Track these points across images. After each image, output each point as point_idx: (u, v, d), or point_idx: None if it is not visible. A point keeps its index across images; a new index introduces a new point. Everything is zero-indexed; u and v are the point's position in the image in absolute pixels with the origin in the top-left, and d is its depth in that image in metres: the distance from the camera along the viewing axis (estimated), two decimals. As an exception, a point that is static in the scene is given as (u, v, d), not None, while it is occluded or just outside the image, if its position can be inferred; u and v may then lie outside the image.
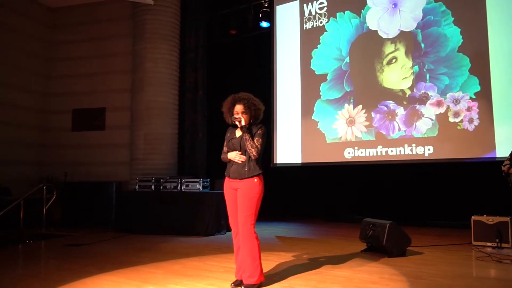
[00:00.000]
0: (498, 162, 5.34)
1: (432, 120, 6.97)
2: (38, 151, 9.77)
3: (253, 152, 3.59)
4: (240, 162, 3.66)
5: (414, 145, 7.09)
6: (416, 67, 7.18)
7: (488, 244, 5.31)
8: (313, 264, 4.56)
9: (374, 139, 7.47)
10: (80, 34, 9.97)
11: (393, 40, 7.47)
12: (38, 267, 4.83)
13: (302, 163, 8.27)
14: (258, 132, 3.67)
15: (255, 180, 3.62)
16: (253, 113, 3.72)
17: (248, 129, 3.68)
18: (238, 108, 3.70)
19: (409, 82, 7.24)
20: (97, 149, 9.49)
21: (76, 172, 9.21)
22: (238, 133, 3.76)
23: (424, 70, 7.10)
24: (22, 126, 9.38)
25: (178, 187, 7.30)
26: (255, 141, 3.62)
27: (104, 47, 9.74)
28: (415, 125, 7.11)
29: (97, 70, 9.74)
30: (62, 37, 10.12)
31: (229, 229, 6.96)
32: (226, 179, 3.80)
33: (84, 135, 9.66)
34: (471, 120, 6.66)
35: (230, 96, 3.82)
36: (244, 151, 3.66)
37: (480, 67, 6.63)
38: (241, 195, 3.63)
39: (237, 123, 3.69)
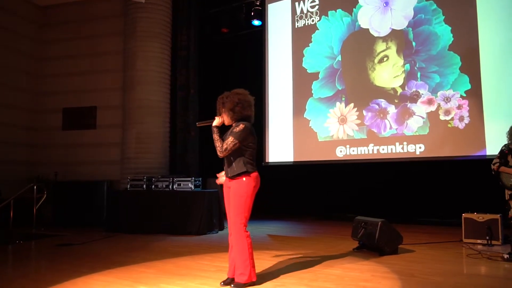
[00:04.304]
0: (488, 160, 5.38)
1: (423, 118, 7.01)
2: (28, 150, 9.69)
3: (217, 151, 3.61)
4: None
5: (405, 143, 7.12)
6: (407, 66, 7.21)
7: (479, 241, 5.35)
8: (305, 262, 4.57)
9: (366, 137, 7.49)
10: (70, 33, 9.88)
11: (385, 39, 7.49)
12: (29, 268, 4.78)
13: (294, 162, 8.28)
14: (234, 130, 3.62)
15: (244, 179, 3.60)
16: (230, 112, 3.66)
17: (232, 128, 3.67)
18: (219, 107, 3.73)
19: (400, 81, 7.27)
20: (88, 148, 9.43)
21: (67, 172, 9.15)
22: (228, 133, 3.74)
23: (415, 68, 7.13)
24: (12, 125, 9.29)
25: (170, 186, 7.27)
26: (227, 140, 3.58)
27: (95, 46, 9.67)
28: (406, 123, 7.14)
29: (88, 69, 9.66)
30: (52, 35, 10.03)
31: (221, 228, 7.01)
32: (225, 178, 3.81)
33: (75, 134, 9.59)
34: (461, 118, 6.71)
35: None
36: None
37: (471, 65, 6.68)
38: (232, 194, 3.65)
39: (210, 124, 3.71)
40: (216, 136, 3.62)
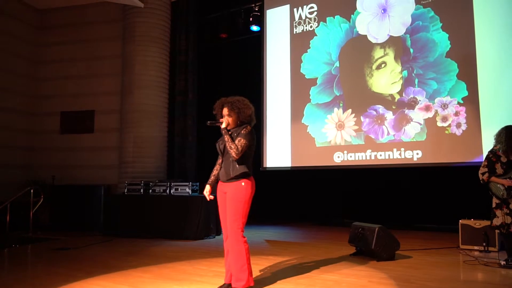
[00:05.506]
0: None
1: (420, 124, 7.03)
2: (26, 154, 9.66)
3: (231, 153, 3.59)
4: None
5: (402, 149, 7.14)
6: (405, 72, 7.25)
7: (476, 247, 5.37)
8: (303, 268, 4.57)
9: (363, 143, 7.51)
10: (69, 36, 9.89)
11: (382, 45, 7.53)
12: (25, 272, 4.77)
13: (291, 167, 8.29)
14: (242, 132, 3.65)
15: (242, 183, 3.61)
16: (237, 115, 3.72)
17: (235, 131, 3.69)
18: (224, 111, 3.74)
19: (398, 87, 7.30)
20: (86, 152, 9.41)
21: (65, 175, 9.13)
22: None
23: (413, 75, 7.16)
24: (9, 129, 9.27)
25: (167, 191, 7.27)
26: (237, 141, 3.60)
27: (93, 50, 9.68)
28: (404, 130, 7.16)
29: (86, 73, 9.67)
30: (51, 39, 10.03)
31: (218, 233, 7.00)
32: (219, 182, 3.81)
33: (73, 138, 9.57)
34: (458, 125, 6.74)
35: (219, 99, 3.84)
36: (228, 153, 3.66)
37: (468, 72, 6.71)
38: (229, 199, 3.64)
39: (219, 125, 3.71)
40: (229, 138, 3.63)
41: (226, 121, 3.70)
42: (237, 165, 3.62)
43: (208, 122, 3.81)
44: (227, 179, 3.67)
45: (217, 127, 3.78)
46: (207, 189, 3.91)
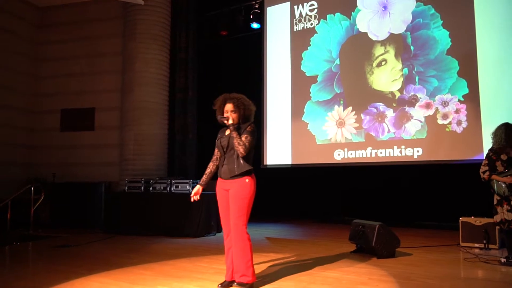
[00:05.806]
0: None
1: (421, 122, 7.03)
2: (27, 151, 9.67)
3: (240, 150, 3.58)
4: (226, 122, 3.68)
5: (403, 146, 7.14)
6: (406, 70, 7.24)
7: (476, 245, 5.37)
8: (303, 265, 4.57)
9: (364, 140, 7.50)
10: (69, 34, 9.88)
11: (383, 43, 7.52)
12: (26, 269, 4.77)
13: (292, 165, 8.29)
14: (247, 129, 3.66)
15: (246, 180, 3.61)
16: (242, 112, 3.72)
17: (237, 128, 3.69)
18: (228, 106, 3.72)
19: (398, 84, 7.30)
20: (87, 150, 9.42)
21: (65, 173, 9.13)
22: (228, 132, 3.76)
23: (414, 72, 7.15)
24: (9, 126, 9.27)
25: (168, 188, 7.27)
26: (243, 138, 3.61)
27: (93, 47, 9.67)
28: (404, 127, 7.16)
29: (87, 70, 9.66)
30: (52, 37, 10.02)
31: (219, 230, 7.00)
32: (218, 179, 3.81)
33: (73, 135, 9.58)
34: (459, 122, 6.73)
35: (222, 95, 3.83)
36: (232, 149, 3.66)
37: (468, 70, 6.70)
38: (233, 196, 3.62)
39: (225, 121, 3.69)
40: (237, 134, 3.63)
41: (231, 117, 3.70)
42: (242, 162, 3.63)
43: (218, 117, 3.78)
44: (231, 176, 3.65)
45: (217, 124, 3.78)
46: (197, 189, 3.88)
